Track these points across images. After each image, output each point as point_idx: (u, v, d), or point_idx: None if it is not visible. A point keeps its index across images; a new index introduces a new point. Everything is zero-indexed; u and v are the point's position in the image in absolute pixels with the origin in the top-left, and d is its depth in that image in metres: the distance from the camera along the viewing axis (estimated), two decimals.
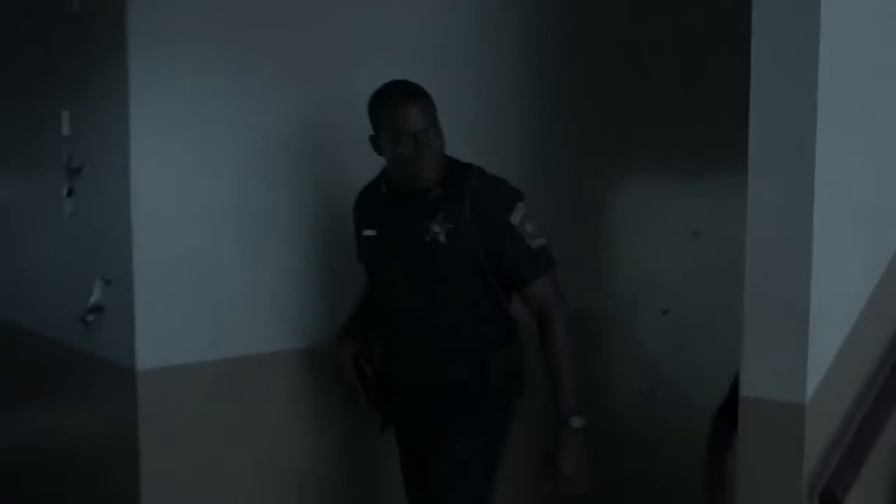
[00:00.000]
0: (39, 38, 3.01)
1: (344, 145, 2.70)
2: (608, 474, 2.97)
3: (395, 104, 2.19)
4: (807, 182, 1.80)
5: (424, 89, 2.26)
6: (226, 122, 2.58)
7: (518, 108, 3.16)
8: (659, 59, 3.37)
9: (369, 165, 2.44)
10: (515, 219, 2.16)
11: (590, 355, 3.29)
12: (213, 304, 2.60)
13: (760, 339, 1.86)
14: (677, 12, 3.19)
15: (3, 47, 3.30)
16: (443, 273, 2.25)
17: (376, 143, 2.26)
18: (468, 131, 2.76)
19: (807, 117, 1.82)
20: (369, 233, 2.35)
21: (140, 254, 2.47)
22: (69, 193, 2.81)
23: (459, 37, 2.99)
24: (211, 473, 2.64)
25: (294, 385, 2.77)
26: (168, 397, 2.54)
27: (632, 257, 3.41)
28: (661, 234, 3.30)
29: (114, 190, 2.55)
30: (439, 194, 2.21)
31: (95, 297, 2.69)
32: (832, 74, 1.85)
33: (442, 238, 2.21)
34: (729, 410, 2.23)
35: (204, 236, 2.57)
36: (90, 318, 2.69)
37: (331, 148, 2.75)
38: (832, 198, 1.88)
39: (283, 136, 2.67)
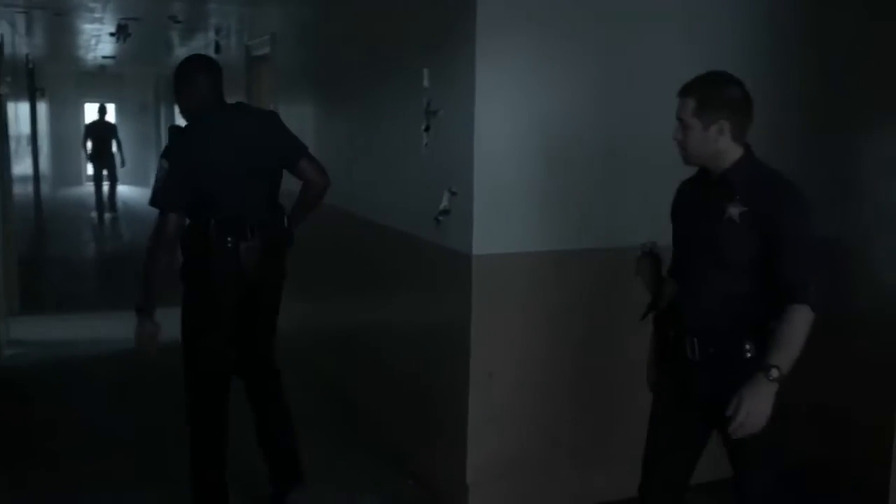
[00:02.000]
0: (408, 17, 3.62)
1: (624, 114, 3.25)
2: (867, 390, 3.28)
3: None
4: None
5: None
6: (540, 85, 3.13)
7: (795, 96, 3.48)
8: None
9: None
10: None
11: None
12: (530, 211, 3.16)
13: None
14: None
15: (383, 25, 3.94)
16: None
17: None
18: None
19: None
20: None
21: (478, 173, 3.05)
22: (427, 129, 3.37)
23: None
24: (531, 343, 3.22)
25: (597, 277, 3.31)
26: (495, 277, 3.12)
27: (871, 193, 3.50)
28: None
29: (460, 128, 3.11)
30: None
31: (444, 203, 3.25)
32: None
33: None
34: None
35: (520, 165, 3.13)
36: (440, 218, 3.28)
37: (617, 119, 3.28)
38: None
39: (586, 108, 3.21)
